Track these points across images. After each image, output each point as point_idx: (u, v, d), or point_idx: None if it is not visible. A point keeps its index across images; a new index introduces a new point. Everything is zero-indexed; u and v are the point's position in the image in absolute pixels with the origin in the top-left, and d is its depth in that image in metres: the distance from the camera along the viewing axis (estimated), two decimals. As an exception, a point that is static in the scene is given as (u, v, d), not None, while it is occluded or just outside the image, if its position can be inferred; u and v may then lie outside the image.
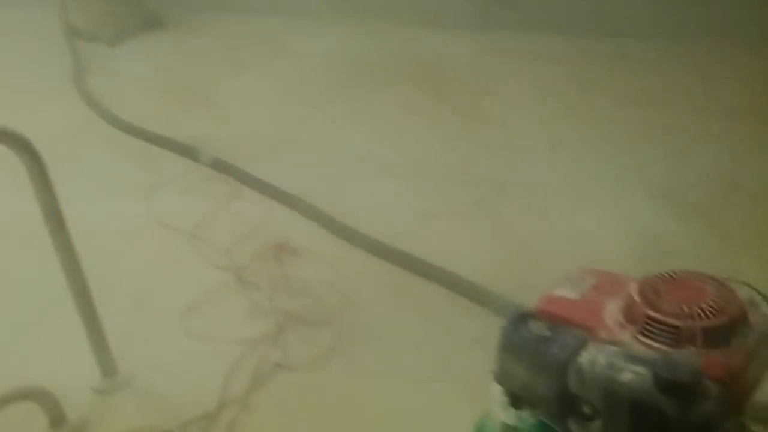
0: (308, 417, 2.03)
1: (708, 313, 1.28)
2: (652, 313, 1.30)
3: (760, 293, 1.39)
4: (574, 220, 2.93)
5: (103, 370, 2.11)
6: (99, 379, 2.12)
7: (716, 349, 1.26)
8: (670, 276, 1.40)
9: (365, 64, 4.54)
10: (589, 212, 2.97)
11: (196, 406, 2.03)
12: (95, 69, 4.64)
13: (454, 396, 2.02)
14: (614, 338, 1.33)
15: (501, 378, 1.44)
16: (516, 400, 1.42)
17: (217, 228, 2.88)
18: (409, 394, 2.09)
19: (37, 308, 2.46)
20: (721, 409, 1.19)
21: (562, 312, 1.41)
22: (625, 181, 3.18)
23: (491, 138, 3.61)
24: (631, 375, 1.22)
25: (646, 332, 1.31)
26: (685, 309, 1.29)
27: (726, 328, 1.28)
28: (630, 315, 1.35)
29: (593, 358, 1.28)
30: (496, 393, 1.47)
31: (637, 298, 1.34)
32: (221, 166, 3.32)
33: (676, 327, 1.28)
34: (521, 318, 1.41)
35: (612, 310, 1.40)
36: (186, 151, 3.47)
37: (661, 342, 1.29)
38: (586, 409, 1.29)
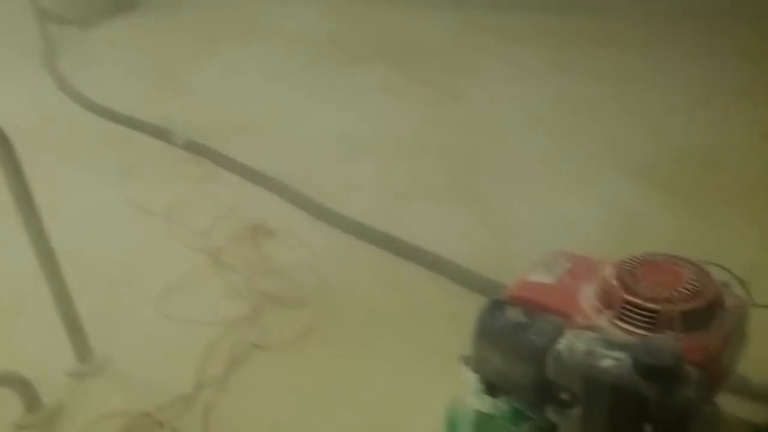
0: (285, 397, 2.04)
1: (686, 297, 1.28)
2: (629, 298, 1.29)
3: (733, 275, 1.39)
4: (551, 198, 2.94)
5: (79, 354, 2.10)
6: (74, 363, 2.11)
7: (694, 333, 1.26)
8: (646, 259, 1.39)
9: (341, 43, 4.52)
10: (566, 190, 2.98)
11: (173, 388, 2.03)
12: (66, 52, 4.57)
13: (432, 374, 2.02)
14: (591, 323, 1.32)
15: (476, 366, 1.42)
16: (492, 388, 1.41)
17: (192, 210, 2.86)
18: (387, 373, 2.10)
19: (11, 294, 2.43)
20: (701, 393, 1.19)
21: (538, 298, 1.40)
22: (602, 158, 3.19)
23: (468, 117, 3.61)
24: (611, 361, 1.21)
25: (623, 317, 1.30)
26: (663, 293, 1.29)
27: (704, 311, 1.28)
28: (607, 300, 1.34)
29: (571, 344, 1.26)
30: (469, 379, 1.45)
31: (613, 282, 1.33)
32: (196, 148, 3.30)
33: (654, 311, 1.27)
34: (497, 305, 1.39)
35: (588, 295, 1.38)
36: (160, 133, 3.44)
37: (639, 326, 1.28)
38: (565, 396, 1.28)
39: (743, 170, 3.07)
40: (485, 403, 1.43)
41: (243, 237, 2.70)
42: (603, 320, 1.32)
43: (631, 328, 1.29)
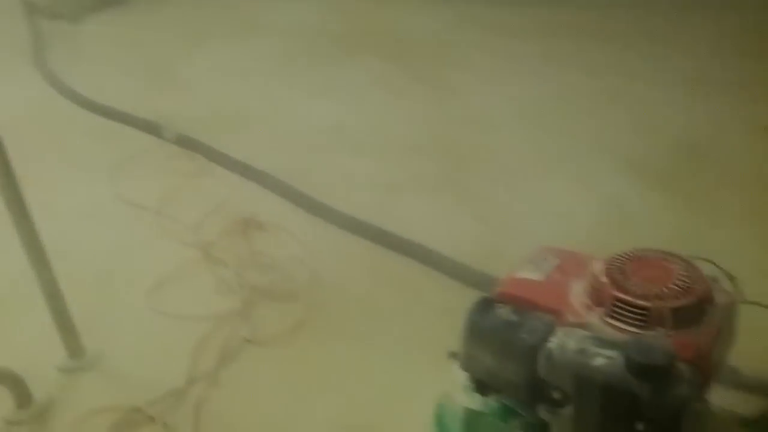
0: (277, 391, 2.03)
1: (676, 294, 1.27)
2: (620, 295, 1.28)
3: (721, 269, 1.39)
4: (542, 190, 2.95)
5: (70, 350, 2.09)
6: (65, 359, 2.10)
7: (686, 330, 1.25)
8: (635, 255, 1.38)
9: (331, 36, 4.51)
10: (556, 182, 2.99)
11: (165, 383, 2.02)
12: (56, 46, 4.54)
13: (425, 368, 2.02)
14: (582, 321, 1.31)
15: (467, 365, 1.40)
16: (482, 387, 1.39)
17: (183, 205, 2.85)
18: (379, 367, 2.10)
19: (1, 290, 2.42)
20: (693, 391, 1.19)
21: (527, 295, 1.39)
22: (597, 152, 3.20)
23: (463, 111, 3.61)
24: (603, 360, 1.20)
25: (614, 314, 1.29)
26: (653, 290, 1.28)
27: (694, 308, 1.27)
28: (597, 297, 1.33)
29: (563, 343, 1.25)
30: (457, 376, 1.44)
31: (603, 279, 1.32)
32: (186, 143, 3.29)
33: (645, 308, 1.26)
34: (486, 303, 1.38)
35: (578, 292, 1.37)
36: (150, 127, 3.42)
37: (630, 324, 1.27)
38: (556, 395, 1.27)
39: (738, 164, 3.08)
40: (474, 400, 1.42)
41: (234, 232, 2.69)
42: (593, 317, 1.31)
43: (622, 326, 1.28)
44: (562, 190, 2.93)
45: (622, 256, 1.38)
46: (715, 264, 1.39)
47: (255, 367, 2.12)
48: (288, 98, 3.76)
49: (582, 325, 1.30)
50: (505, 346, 1.31)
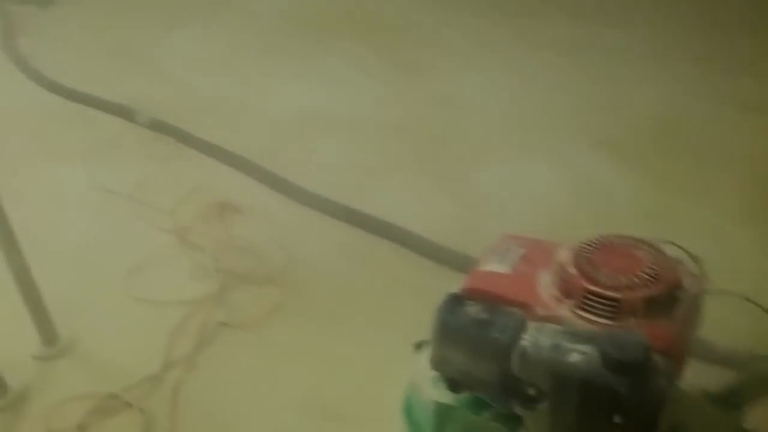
0: (254, 375, 2.04)
1: (646, 283, 1.26)
2: (590, 287, 1.26)
3: (688, 253, 1.38)
4: (517, 170, 2.95)
5: (44, 337, 2.08)
6: (40, 346, 2.09)
7: (657, 319, 1.24)
8: (602, 243, 1.36)
9: (304, 19, 4.47)
10: (532, 162, 2.99)
11: (141, 369, 2.02)
12: (26, 31, 4.47)
13: (403, 350, 2.02)
14: (552, 314, 1.29)
15: (437, 364, 1.38)
16: (454, 384, 1.37)
17: (158, 190, 2.83)
18: (356, 349, 2.10)
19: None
20: (669, 381, 1.19)
21: (495, 289, 1.35)
22: (567, 130, 3.21)
23: (435, 92, 3.60)
24: (578, 355, 1.18)
25: (585, 306, 1.27)
26: (623, 280, 1.26)
27: (665, 296, 1.26)
28: (566, 289, 1.31)
29: (536, 340, 1.23)
30: (424, 369, 1.41)
31: (572, 270, 1.30)
32: (160, 127, 3.25)
33: (616, 300, 1.24)
34: (455, 301, 1.34)
35: (546, 283, 1.35)
36: (123, 112, 3.38)
37: (601, 315, 1.25)
38: (531, 392, 1.25)
39: (709, 141, 3.10)
40: (443, 394, 1.39)
41: (210, 216, 2.68)
42: (564, 310, 1.29)
43: (593, 318, 1.26)
44: (538, 170, 2.94)
45: (589, 245, 1.35)
46: (680, 247, 1.37)
47: (231, 351, 2.12)
48: (262, 81, 3.74)
49: (553, 319, 1.28)
50: (477, 345, 1.28)
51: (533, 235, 1.51)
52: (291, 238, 2.56)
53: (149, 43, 4.21)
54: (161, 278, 2.40)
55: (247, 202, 2.74)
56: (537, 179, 2.88)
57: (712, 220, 2.60)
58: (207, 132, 3.18)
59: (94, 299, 2.32)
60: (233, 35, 4.30)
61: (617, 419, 1.16)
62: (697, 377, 1.32)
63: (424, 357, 1.44)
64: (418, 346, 1.51)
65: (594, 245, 1.35)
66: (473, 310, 1.31)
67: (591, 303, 1.26)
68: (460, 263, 2.26)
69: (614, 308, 1.25)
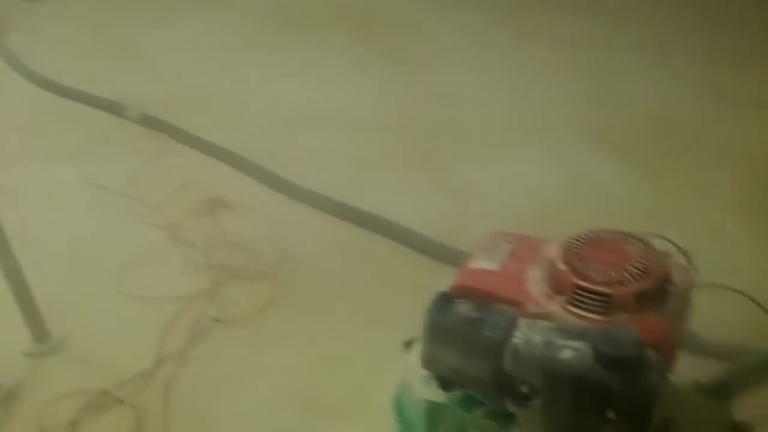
0: (246, 370, 2.04)
1: (637, 277, 1.25)
2: (580, 283, 1.26)
3: (677, 246, 1.38)
4: (509, 165, 2.95)
5: (35, 334, 2.07)
6: (31, 343, 2.08)
7: (648, 313, 1.24)
8: (591, 238, 1.35)
9: (296, 13, 4.45)
10: (524, 157, 2.99)
11: (133, 366, 2.01)
12: (15, 27, 4.44)
13: (395, 346, 2.03)
14: (543, 311, 1.28)
15: (429, 363, 1.37)
16: (445, 383, 1.36)
17: (148, 186, 2.81)
18: (349, 344, 2.10)
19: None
20: (662, 376, 1.19)
21: (485, 287, 1.35)
22: (559, 124, 3.21)
23: (426, 85, 3.60)
24: (571, 352, 1.18)
25: (575, 302, 1.27)
26: (614, 275, 1.26)
27: (655, 290, 1.26)
28: (556, 285, 1.30)
29: (528, 337, 1.22)
30: (414, 368, 1.40)
31: (562, 266, 1.29)
32: (150, 122, 3.24)
33: (606, 295, 1.24)
34: (445, 299, 1.33)
35: (535, 280, 1.34)
36: (113, 107, 3.37)
37: (592, 311, 1.25)
38: (524, 389, 1.24)
39: (707, 138, 3.10)
40: (434, 392, 1.39)
41: (201, 211, 2.67)
42: (554, 306, 1.29)
43: (584, 313, 1.26)
44: (535, 167, 2.93)
45: (578, 240, 1.35)
46: (668, 240, 1.37)
47: (223, 347, 2.11)
48: (253, 76, 3.72)
49: (543, 315, 1.27)
50: (469, 344, 1.28)
51: (521, 232, 1.50)
52: (283, 233, 2.56)
53: (140, 39, 4.20)
54: (152, 274, 2.39)
55: (238, 198, 2.73)
56: (534, 176, 2.88)
57: (709, 216, 2.60)
58: (198, 128, 3.17)
59: (85, 296, 2.31)
60: (225, 29, 4.29)
61: (610, 415, 1.16)
62: (686, 369, 1.32)
63: (414, 355, 1.43)
64: (408, 344, 1.50)
65: (583, 240, 1.35)
66: (464, 308, 1.31)
67: (581, 299, 1.26)
68: (455, 259, 2.24)
69: (605, 303, 1.24)
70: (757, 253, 2.42)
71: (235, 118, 3.35)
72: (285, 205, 2.73)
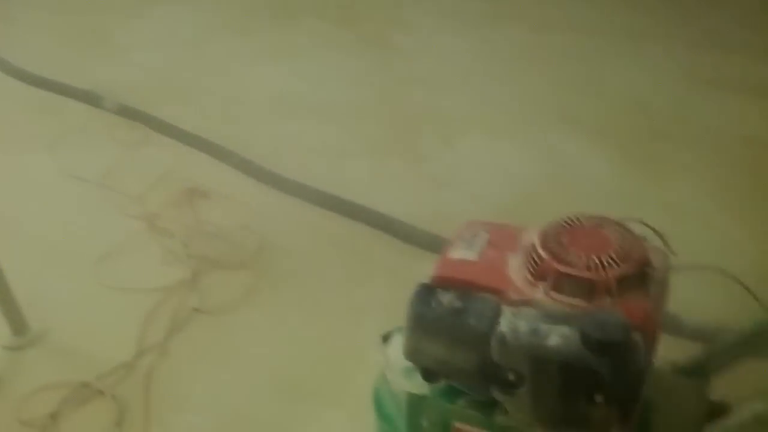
0: (227, 359, 2.04)
1: (618, 261, 1.25)
2: (562, 269, 1.25)
3: (653, 229, 1.38)
4: (490, 151, 2.96)
5: (13, 327, 2.06)
6: (9, 336, 2.07)
7: (631, 297, 1.24)
8: (569, 223, 1.35)
9: None
10: (504, 143, 3.00)
11: (114, 357, 2.01)
12: (-12, 15, 4.39)
13: (377, 333, 2.03)
14: (527, 298, 1.28)
15: (412, 355, 1.35)
16: (429, 374, 1.35)
17: (126, 176, 2.79)
18: (330, 333, 2.11)
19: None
20: (648, 358, 1.19)
21: (466, 276, 1.33)
22: (540, 110, 3.22)
23: (405, 70, 3.59)
24: (558, 338, 1.17)
25: (558, 288, 1.26)
26: (595, 259, 1.25)
27: (637, 274, 1.26)
28: (538, 272, 1.29)
29: (514, 325, 1.21)
30: (394, 361, 1.40)
31: (542, 253, 1.28)
32: (128, 112, 3.21)
33: (590, 280, 1.24)
34: (427, 291, 1.31)
35: (516, 267, 1.33)
36: (90, 98, 3.34)
37: (575, 296, 1.25)
38: (511, 377, 1.23)
39: (684, 121, 3.12)
40: (416, 384, 1.37)
41: (180, 201, 2.65)
42: (537, 293, 1.28)
43: (568, 299, 1.25)
44: (512, 151, 2.94)
45: (556, 226, 1.34)
46: (645, 224, 1.38)
47: (204, 336, 2.11)
48: (231, 63, 3.70)
49: (527, 302, 1.27)
50: (454, 334, 1.26)
51: (497, 220, 1.51)
52: (262, 222, 2.55)
53: (115, 27, 4.15)
54: (132, 265, 2.38)
55: (217, 187, 2.72)
56: (511, 160, 2.89)
57: (690, 200, 2.62)
58: (176, 117, 3.15)
59: (64, 288, 2.30)
60: (201, 17, 4.24)
61: (599, 399, 1.16)
62: (663, 350, 1.33)
63: (393, 349, 1.43)
64: (386, 338, 1.49)
65: (561, 226, 1.35)
66: (447, 298, 1.29)
67: (564, 284, 1.26)
68: (434, 245, 2.26)
69: (588, 288, 1.24)
70: (738, 236, 2.44)
71: (213, 106, 3.33)
72: (264, 193, 2.72)
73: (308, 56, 3.76)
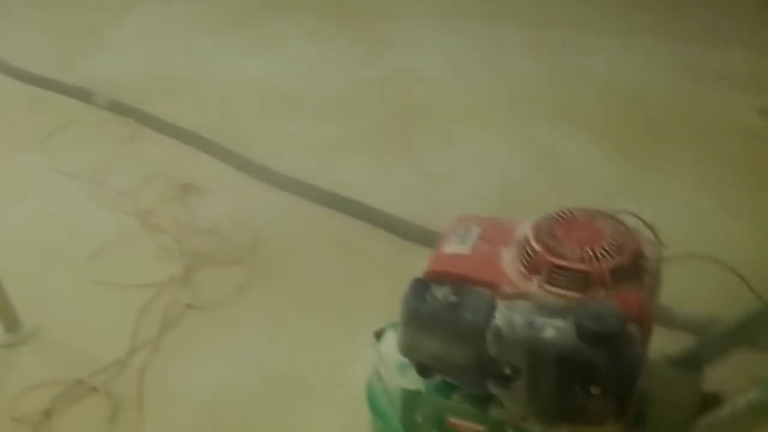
0: (220, 355, 2.03)
1: (611, 253, 1.26)
2: (557, 261, 1.25)
3: (643, 221, 1.39)
4: (481, 145, 2.96)
5: (5, 324, 2.05)
6: (2, 333, 2.06)
7: (625, 288, 1.25)
8: (562, 216, 1.35)
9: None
10: (495, 136, 3.00)
11: (107, 354, 2.00)
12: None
13: (371, 328, 2.03)
14: (521, 291, 1.28)
15: (408, 351, 1.35)
16: (424, 370, 1.35)
17: (118, 172, 2.78)
18: (323, 329, 2.11)
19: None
20: (644, 349, 1.19)
21: (460, 270, 1.33)
22: (531, 104, 3.22)
23: (397, 65, 3.59)
24: (553, 331, 1.18)
25: (553, 281, 1.26)
26: (589, 251, 1.26)
27: (630, 265, 1.27)
28: (532, 265, 1.29)
29: (509, 318, 1.22)
30: (388, 357, 1.39)
31: (536, 246, 1.29)
32: (119, 108, 3.20)
33: (584, 272, 1.24)
34: (421, 286, 1.31)
35: (510, 261, 1.33)
36: (81, 94, 3.32)
37: (569, 288, 1.25)
38: (507, 370, 1.23)
39: (673, 113, 3.12)
40: (410, 380, 1.38)
41: (172, 197, 2.65)
42: (531, 286, 1.28)
43: (562, 291, 1.26)
44: (503, 144, 2.94)
45: (549, 219, 1.35)
46: (636, 216, 1.38)
47: (197, 332, 2.11)
48: (222, 58, 3.69)
49: (521, 295, 1.27)
50: (450, 329, 1.26)
51: (488, 215, 1.51)
52: (255, 217, 2.55)
53: (105, 23, 4.13)
54: (125, 262, 2.38)
55: (209, 183, 2.72)
56: (502, 154, 2.89)
57: (679, 191, 2.63)
58: (167, 112, 3.13)
59: (57, 284, 2.29)
60: (191, 12, 4.22)
61: (595, 390, 1.17)
62: (656, 341, 1.33)
63: (387, 345, 1.43)
64: (379, 334, 1.49)
65: (553, 219, 1.35)
66: (441, 293, 1.29)
67: (558, 277, 1.26)
68: (427, 239, 2.26)
69: (582, 280, 1.25)
70: (727, 227, 2.45)
71: (204, 101, 3.32)
72: (256, 188, 2.72)
73: (300, 50, 3.75)
